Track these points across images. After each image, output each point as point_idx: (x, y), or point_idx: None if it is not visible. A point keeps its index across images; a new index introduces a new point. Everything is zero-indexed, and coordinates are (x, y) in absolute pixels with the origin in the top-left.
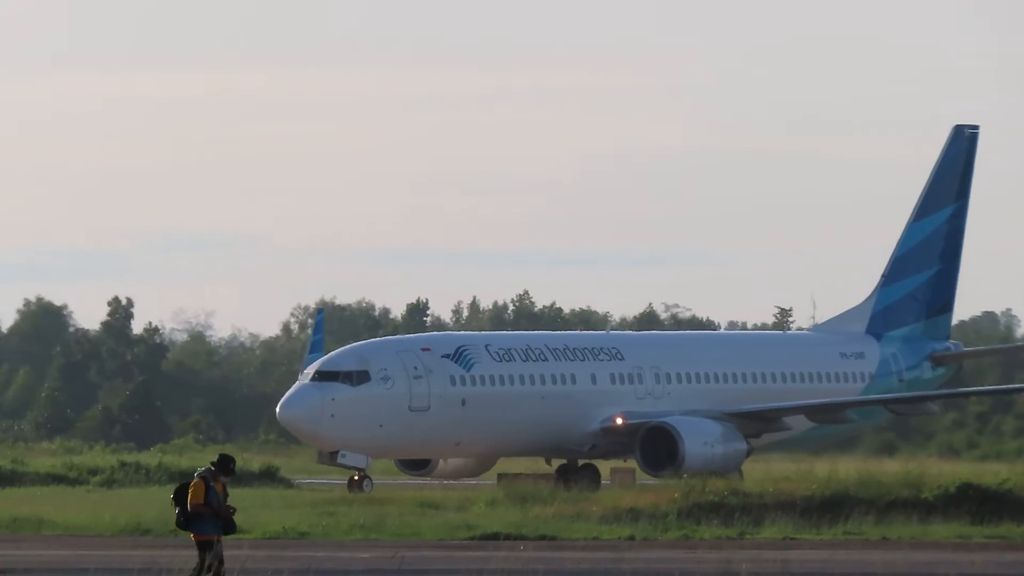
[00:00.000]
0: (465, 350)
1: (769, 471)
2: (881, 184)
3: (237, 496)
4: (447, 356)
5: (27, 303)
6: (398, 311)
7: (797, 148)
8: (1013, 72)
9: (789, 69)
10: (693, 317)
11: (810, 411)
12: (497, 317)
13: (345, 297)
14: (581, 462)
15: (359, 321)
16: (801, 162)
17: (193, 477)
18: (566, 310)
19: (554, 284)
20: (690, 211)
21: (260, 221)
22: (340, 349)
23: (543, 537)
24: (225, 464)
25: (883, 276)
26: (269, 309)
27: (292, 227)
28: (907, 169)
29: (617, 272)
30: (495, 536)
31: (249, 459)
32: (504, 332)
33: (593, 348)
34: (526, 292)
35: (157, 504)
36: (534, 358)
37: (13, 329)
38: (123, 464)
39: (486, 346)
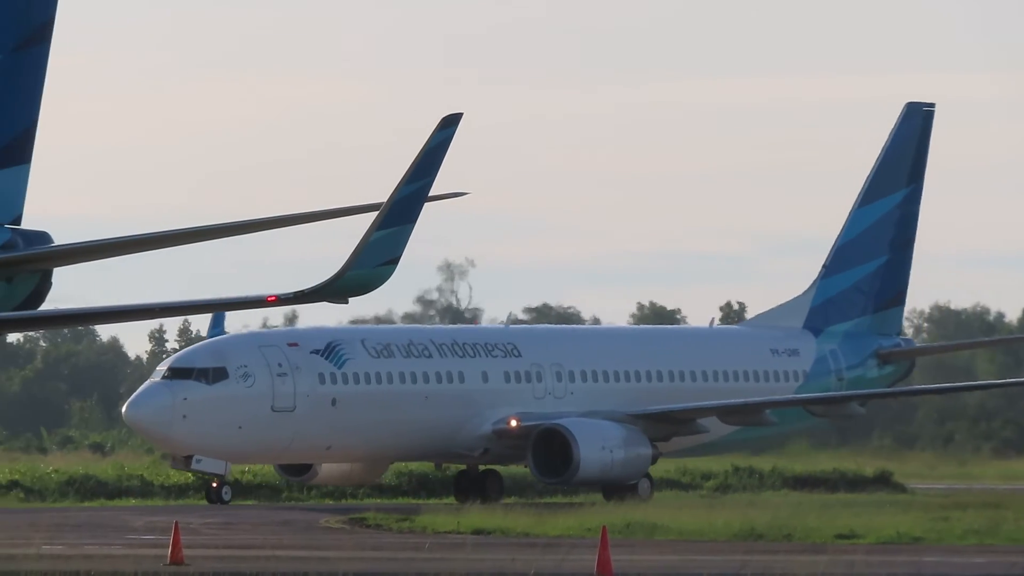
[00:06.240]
0: (337, 345)
1: None
2: None
3: (848, 501)
4: (316, 352)
5: (640, 307)
6: (1013, 315)
7: None
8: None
9: None
10: None
11: (722, 412)
12: None
13: (960, 301)
14: (482, 468)
15: (973, 324)
16: None
17: None
18: None
19: None
20: None
21: None
22: (197, 344)
23: None
24: None
25: (824, 267)
26: None
27: None
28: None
29: None
30: None
31: (863, 463)
32: (385, 326)
33: (486, 343)
34: None
35: (771, 509)
36: (417, 354)
37: None
38: (736, 469)
39: (362, 341)
